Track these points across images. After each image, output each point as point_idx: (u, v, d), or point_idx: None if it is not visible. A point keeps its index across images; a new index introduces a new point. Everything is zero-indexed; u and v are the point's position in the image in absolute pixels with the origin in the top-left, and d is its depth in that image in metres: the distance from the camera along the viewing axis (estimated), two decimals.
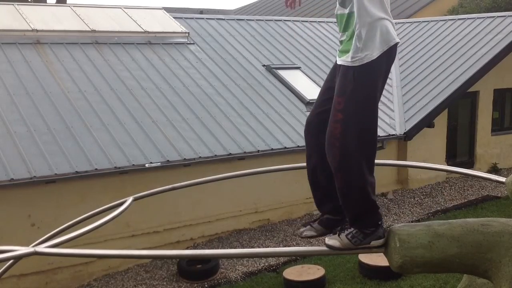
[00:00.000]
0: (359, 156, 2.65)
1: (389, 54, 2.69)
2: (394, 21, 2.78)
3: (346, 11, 2.69)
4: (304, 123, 3.08)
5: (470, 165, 13.16)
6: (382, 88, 2.75)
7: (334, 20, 15.60)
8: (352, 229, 2.74)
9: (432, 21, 15.23)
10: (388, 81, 12.98)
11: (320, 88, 3.08)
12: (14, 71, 9.68)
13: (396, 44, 2.72)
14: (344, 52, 2.70)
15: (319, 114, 2.86)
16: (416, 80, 12.90)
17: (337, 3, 2.75)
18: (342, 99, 2.65)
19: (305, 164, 3.02)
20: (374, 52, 2.63)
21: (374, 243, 2.72)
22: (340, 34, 2.74)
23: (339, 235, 2.75)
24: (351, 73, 2.65)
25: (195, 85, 10.80)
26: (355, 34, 2.64)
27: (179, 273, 8.64)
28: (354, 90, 2.63)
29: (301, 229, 2.93)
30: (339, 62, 2.74)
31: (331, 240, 2.76)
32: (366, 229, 2.72)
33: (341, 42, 2.74)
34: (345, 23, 2.70)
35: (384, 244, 2.74)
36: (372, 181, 2.72)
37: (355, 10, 2.63)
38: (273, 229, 10.15)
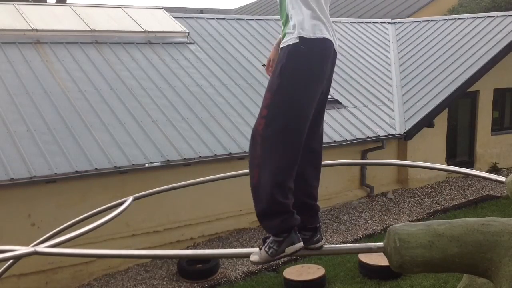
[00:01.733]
0: (275, 153, 2.58)
1: (322, 49, 2.61)
2: (332, 21, 2.75)
3: None
4: None
5: (470, 165, 13.15)
6: (316, 91, 2.64)
7: (336, 20, 15.50)
8: (269, 239, 2.67)
9: (432, 21, 15.23)
10: (388, 80, 13.13)
11: None
12: (14, 71, 9.68)
13: (328, 41, 2.63)
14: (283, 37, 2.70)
15: None
16: (416, 80, 12.89)
17: None
18: (268, 94, 2.62)
19: None
20: (303, 33, 2.58)
21: (288, 250, 2.62)
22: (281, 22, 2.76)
23: (260, 249, 2.69)
24: (283, 56, 2.61)
25: (195, 84, 10.79)
26: (288, 16, 2.64)
27: (179, 272, 8.64)
28: (281, 86, 2.57)
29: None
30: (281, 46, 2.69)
31: (253, 256, 2.71)
32: (278, 236, 2.63)
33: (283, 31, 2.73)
34: (280, 7, 2.71)
35: (299, 249, 2.65)
36: (281, 182, 2.58)
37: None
38: None
